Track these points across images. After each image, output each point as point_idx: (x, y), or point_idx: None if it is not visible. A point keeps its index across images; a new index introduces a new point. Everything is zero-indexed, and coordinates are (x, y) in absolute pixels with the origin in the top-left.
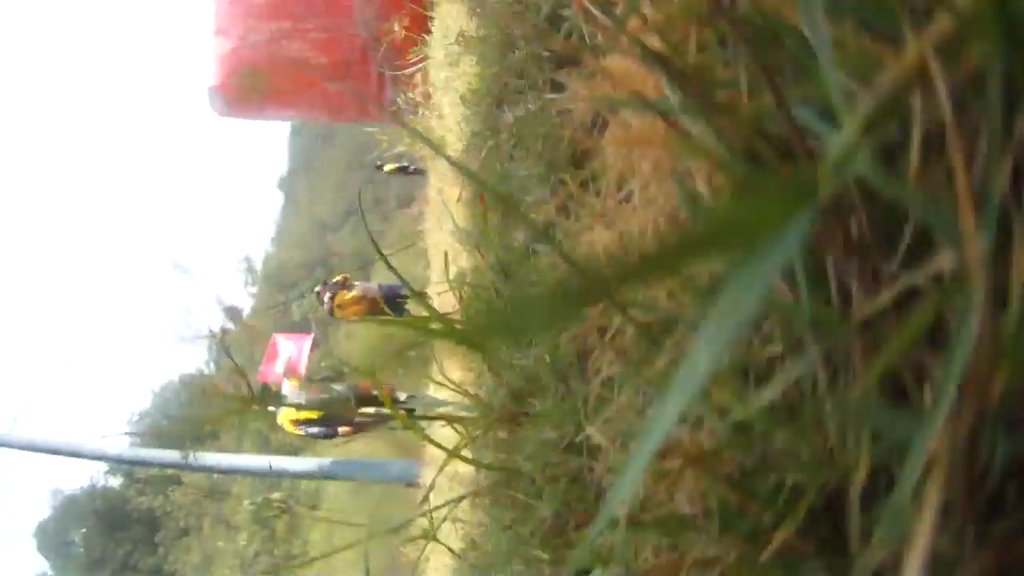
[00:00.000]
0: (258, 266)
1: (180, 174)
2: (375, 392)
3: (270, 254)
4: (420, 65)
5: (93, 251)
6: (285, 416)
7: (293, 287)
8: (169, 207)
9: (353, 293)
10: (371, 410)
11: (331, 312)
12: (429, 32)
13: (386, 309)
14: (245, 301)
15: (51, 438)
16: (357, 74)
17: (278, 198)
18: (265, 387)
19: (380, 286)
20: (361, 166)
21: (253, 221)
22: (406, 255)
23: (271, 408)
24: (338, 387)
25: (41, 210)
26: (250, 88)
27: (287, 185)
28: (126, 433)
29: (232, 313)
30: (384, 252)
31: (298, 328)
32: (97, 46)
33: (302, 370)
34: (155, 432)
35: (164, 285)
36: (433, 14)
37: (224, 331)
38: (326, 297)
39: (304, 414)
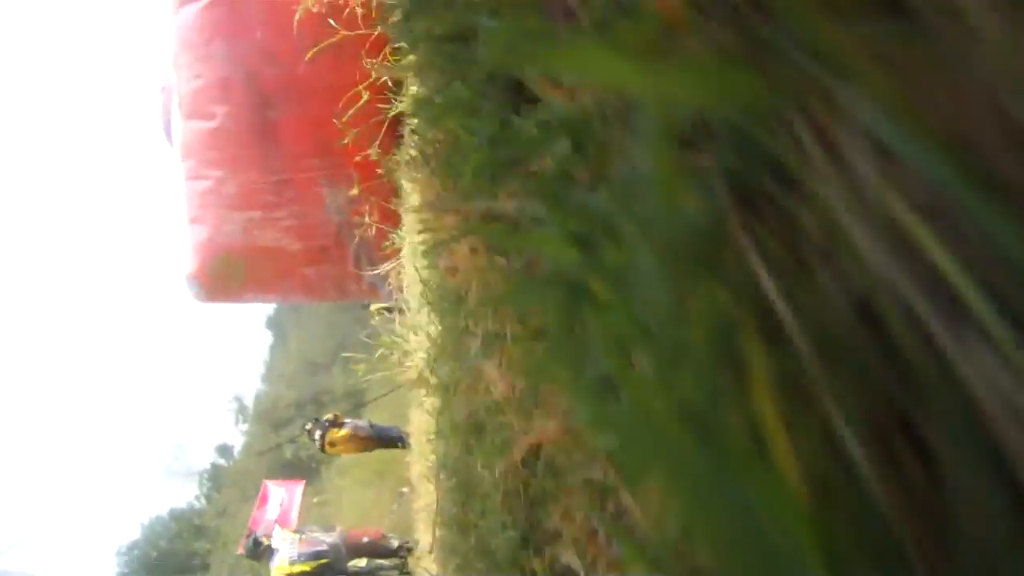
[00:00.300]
0: (249, 404)
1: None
2: (366, 539)
3: (261, 392)
4: (394, 263)
5: (87, 400)
6: (279, 570)
7: (286, 425)
8: (157, 349)
9: (344, 431)
10: (363, 562)
11: (322, 449)
12: (400, 226)
13: (375, 448)
14: (237, 439)
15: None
16: (334, 258)
17: (266, 337)
18: (257, 541)
19: (372, 425)
20: (347, 305)
21: (242, 360)
22: (396, 393)
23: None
24: (329, 538)
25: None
26: (227, 276)
27: (275, 324)
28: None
29: (223, 451)
30: (373, 395)
31: (290, 467)
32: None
33: (294, 517)
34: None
35: (155, 421)
36: (402, 212)
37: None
38: (317, 434)
39: (298, 567)
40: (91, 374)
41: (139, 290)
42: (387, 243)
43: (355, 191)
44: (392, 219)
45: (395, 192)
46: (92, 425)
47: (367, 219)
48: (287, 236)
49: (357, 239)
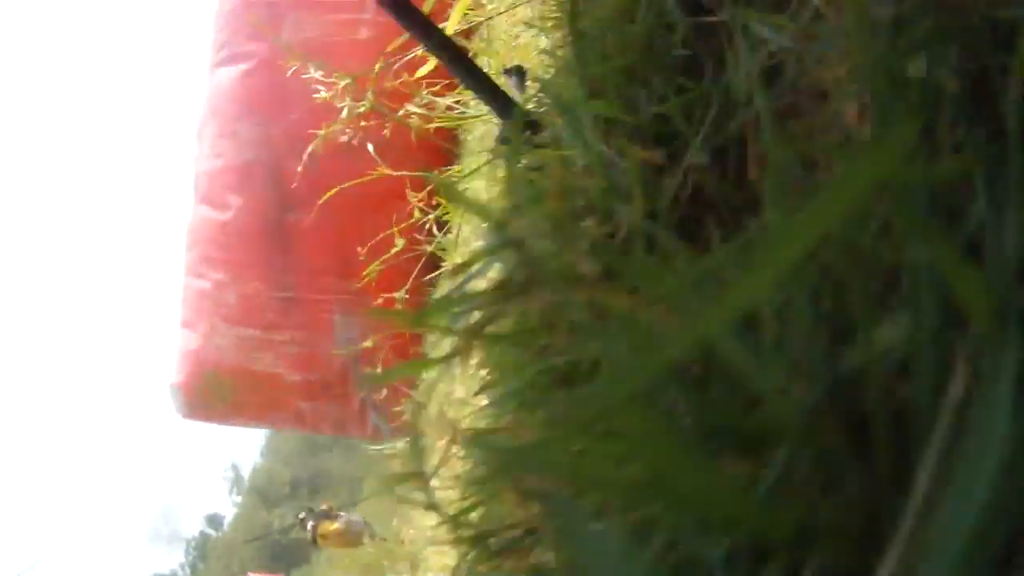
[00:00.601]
0: (245, 476)
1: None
2: None
3: (258, 465)
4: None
5: (76, 451)
6: None
7: (279, 503)
8: (158, 405)
9: (336, 525)
10: None
11: (313, 540)
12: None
13: (368, 545)
14: (228, 509)
15: None
16: (336, 396)
17: None
18: None
19: (366, 523)
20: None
21: (243, 429)
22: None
23: None
24: None
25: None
26: (212, 397)
27: None
28: None
29: (213, 520)
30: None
31: (280, 549)
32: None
33: None
34: None
35: (146, 481)
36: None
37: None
38: (309, 524)
39: None
40: (84, 426)
41: (148, 343)
42: (399, 408)
43: (369, 343)
44: (410, 378)
45: (419, 342)
46: (79, 479)
47: (379, 370)
48: (286, 364)
49: (367, 391)
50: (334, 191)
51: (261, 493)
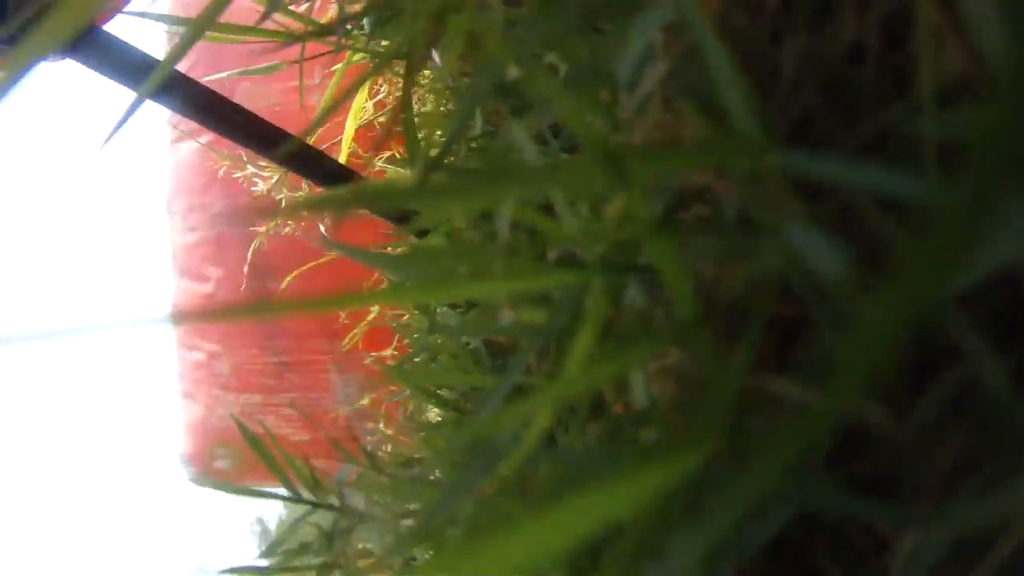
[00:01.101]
0: (272, 528)
1: None
2: None
3: (284, 517)
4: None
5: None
6: None
7: (304, 551)
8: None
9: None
10: None
11: None
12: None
13: None
14: (259, 562)
15: None
16: (348, 452)
17: None
18: None
19: None
20: None
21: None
22: None
23: None
24: None
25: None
26: (223, 463)
27: None
28: None
29: None
30: None
31: None
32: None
33: None
34: None
35: (176, 539)
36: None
37: None
38: None
39: None
40: (111, 490)
41: (157, 409)
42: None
43: (365, 400)
44: (410, 435)
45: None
46: (111, 544)
47: (381, 426)
48: (291, 425)
49: (376, 437)
50: (306, 267)
51: (287, 545)
